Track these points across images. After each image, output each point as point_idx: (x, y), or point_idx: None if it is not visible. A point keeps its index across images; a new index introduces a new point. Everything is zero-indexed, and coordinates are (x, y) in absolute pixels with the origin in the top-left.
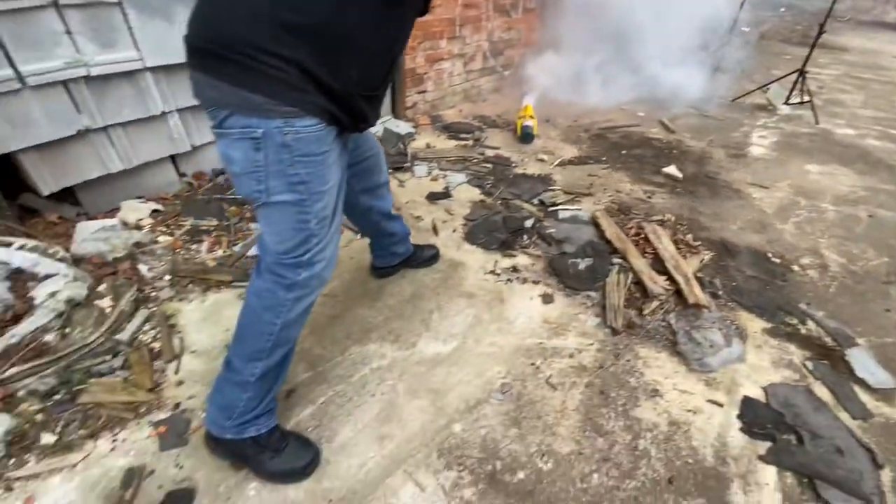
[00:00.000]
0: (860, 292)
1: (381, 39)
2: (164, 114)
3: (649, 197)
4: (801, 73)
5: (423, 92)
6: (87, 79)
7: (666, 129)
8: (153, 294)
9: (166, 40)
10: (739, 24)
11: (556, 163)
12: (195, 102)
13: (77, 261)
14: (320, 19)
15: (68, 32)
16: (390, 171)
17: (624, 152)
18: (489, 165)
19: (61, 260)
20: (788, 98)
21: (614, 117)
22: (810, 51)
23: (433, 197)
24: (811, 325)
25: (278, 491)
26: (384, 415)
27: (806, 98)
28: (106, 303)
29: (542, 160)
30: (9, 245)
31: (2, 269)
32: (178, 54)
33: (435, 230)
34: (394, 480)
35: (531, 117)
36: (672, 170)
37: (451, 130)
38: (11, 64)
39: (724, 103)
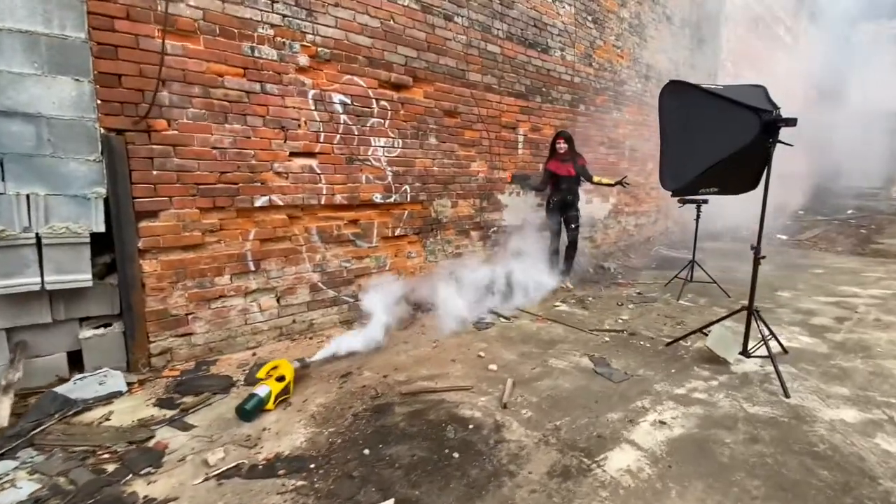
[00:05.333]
0: None
1: None
2: None
3: None
4: (749, 311)
5: (188, 335)
6: None
7: (499, 401)
8: None
9: None
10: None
11: (213, 474)
12: None
13: None
14: None
15: None
16: None
17: (367, 452)
18: (108, 468)
19: None
20: (746, 348)
21: (448, 371)
22: (753, 281)
23: None
24: None
25: None
26: None
27: (775, 346)
28: None
29: (206, 462)
30: None
31: None
32: None
33: None
34: None
35: (279, 378)
36: None
37: (183, 390)
38: None
39: (655, 348)
